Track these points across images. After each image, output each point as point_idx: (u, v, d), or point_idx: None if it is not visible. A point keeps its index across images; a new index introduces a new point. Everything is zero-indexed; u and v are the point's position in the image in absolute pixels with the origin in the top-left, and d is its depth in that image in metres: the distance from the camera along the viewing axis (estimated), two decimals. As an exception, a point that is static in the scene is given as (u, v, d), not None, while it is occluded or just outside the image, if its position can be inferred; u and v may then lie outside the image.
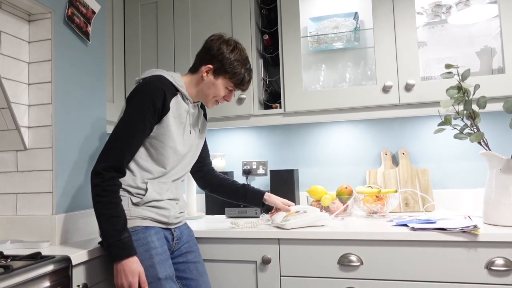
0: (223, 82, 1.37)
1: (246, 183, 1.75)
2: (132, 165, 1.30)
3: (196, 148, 1.46)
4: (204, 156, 1.59)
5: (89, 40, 1.56)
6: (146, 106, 1.25)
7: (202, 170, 1.61)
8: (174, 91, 1.33)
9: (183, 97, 1.36)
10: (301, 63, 1.80)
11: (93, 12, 1.57)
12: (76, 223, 1.44)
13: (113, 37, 1.94)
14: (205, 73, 1.36)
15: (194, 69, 1.41)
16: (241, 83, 1.39)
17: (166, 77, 1.32)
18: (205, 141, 1.58)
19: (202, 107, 1.55)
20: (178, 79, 1.36)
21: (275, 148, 2.14)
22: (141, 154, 1.30)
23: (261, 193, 1.58)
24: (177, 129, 1.34)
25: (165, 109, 1.29)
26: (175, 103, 1.32)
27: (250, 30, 1.87)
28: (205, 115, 1.56)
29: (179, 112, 1.34)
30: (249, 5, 1.88)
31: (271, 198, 1.58)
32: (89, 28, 1.56)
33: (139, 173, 1.30)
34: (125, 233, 1.21)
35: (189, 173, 1.60)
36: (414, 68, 1.67)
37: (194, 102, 1.42)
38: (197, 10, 1.95)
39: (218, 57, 1.35)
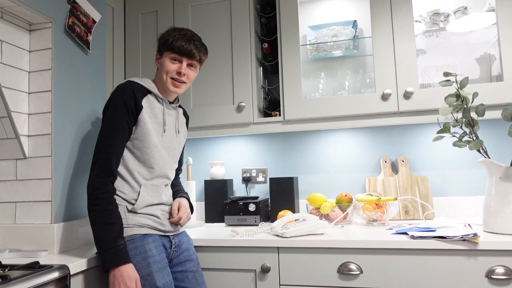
0: (166, 57, 1.38)
1: (181, 188, 1.60)
2: (122, 171, 1.32)
3: (176, 152, 1.47)
4: (179, 161, 1.58)
5: (89, 49, 1.57)
6: (119, 108, 1.29)
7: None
8: (145, 92, 1.37)
9: (157, 97, 1.39)
10: (300, 71, 1.81)
11: (94, 22, 1.58)
12: (75, 232, 1.44)
13: (114, 46, 1.95)
14: (157, 62, 1.43)
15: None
16: (181, 51, 1.35)
17: (136, 81, 1.37)
18: (182, 150, 1.58)
19: (185, 114, 1.59)
20: (148, 82, 1.40)
21: (275, 156, 2.14)
22: (128, 158, 1.33)
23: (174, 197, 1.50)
24: (155, 129, 1.36)
25: (138, 108, 1.32)
26: (147, 102, 1.35)
27: (249, 38, 1.88)
28: (187, 124, 1.59)
29: (153, 112, 1.37)
30: (249, 13, 1.89)
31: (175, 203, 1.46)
32: (90, 37, 1.57)
33: (130, 177, 1.33)
34: (121, 240, 1.21)
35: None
36: (412, 76, 1.68)
37: (171, 103, 1.45)
38: (197, 18, 1.96)
39: (158, 43, 1.41)
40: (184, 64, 1.37)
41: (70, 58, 1.49)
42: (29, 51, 1.44)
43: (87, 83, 1.57)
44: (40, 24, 1.43)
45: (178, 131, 1.47)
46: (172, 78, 1.37)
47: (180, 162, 1.61)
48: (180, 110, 1.54)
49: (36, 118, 1.41)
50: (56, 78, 1.41)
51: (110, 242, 1.19)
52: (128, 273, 1.19)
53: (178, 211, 1.42)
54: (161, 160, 1.38)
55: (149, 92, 1.38)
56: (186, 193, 1.56)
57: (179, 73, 1.37)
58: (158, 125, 1.38)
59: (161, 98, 1.40)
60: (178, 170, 1.61)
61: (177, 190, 1.55)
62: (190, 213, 1.47)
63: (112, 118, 1.29)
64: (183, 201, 1.46)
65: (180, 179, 1.65)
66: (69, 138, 1.46)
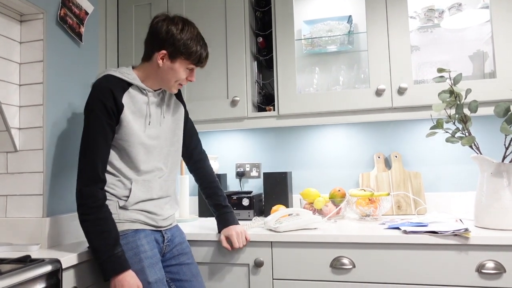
0: (181, 64, 1.31)
1: (224, 203, 1.54)
2: (110, 169, 1.29)
3: (168, 136, 1.40)
4: (187, 142, 1.52)
5: (81, 41, 1.55)
6: (98, 110, 1.23)
7: (190, 158, 1.55)
8: (125, 86, 1.29)
9: (140, 89, 1.33)
10: (295, 66, 1.81)
11: (86, 13, 1.56)
12: (67, 225, 1.43)
13: (107, 38, 1.93)
14: (161, 60, 1.30)
15: (147, 58, 1.33)
16: (199, 61, 1.33)
17: (114, 75, 1.29)
18: (190, 125, 1.54)
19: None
20: (128, 73, 1.31)
21: (269, 151, 2.14)
22: (115, 157, 1.29)
23: (221, 224, 1.50)
24: (139, 124, 1.31)
25: (118, 107, 1.26)
26: (128, 98, 1.29)
27: (244, 32, 1.87)
28: (179, 98, 1.49)
29: (137, 106, 1.31)
30: (243, 7, 1.88)
31: (224, 232, 1.47)
32: (82, 29, 1.55)
33: (120, 174, 1.30)
34: (118, 247, 1.20)
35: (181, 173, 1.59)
36: (407, 72, 1.68)
37: (156, 90, 1.37)
38: (191, 11, 1.94)
39: (169, 41, 1.28)
40: (194, 71, 1.36)
41: (62, 50, 1.47)
42: (20, 42, 1.42)
43: (79, 75, 1.55)
44: (31, 15, 1.41)
45: (164, 116, 1.40)
46: (179, 84, 1.36)
47: (191, 138, 1.54)
48: (166, 92, 1.44)
49: (27, 110, 1.39)
50: (48, 70, 1.39)
51: (108, 250, 1.18)
52: (128, 282, 1.18)
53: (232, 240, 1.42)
54: (147, 156, 1.33)
55: (130, 84, 1.31)
56: (229, 207, 1.53)
57: (186, 80, 1.36)
58: (142, 119, 1.32)
59: (144, 89, 1.33)
60: (192, 147, 1.54)
61: (216, 204, 1.51)
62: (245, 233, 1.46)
63: (92, 122, 1.23)
64: (238, 228, 1.45)
65: (209, 164, 1.60)
66: (61, 131, 1.44)
